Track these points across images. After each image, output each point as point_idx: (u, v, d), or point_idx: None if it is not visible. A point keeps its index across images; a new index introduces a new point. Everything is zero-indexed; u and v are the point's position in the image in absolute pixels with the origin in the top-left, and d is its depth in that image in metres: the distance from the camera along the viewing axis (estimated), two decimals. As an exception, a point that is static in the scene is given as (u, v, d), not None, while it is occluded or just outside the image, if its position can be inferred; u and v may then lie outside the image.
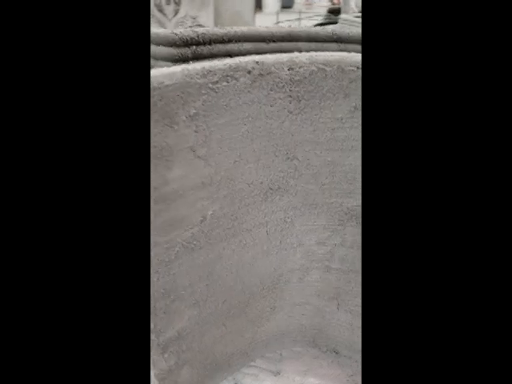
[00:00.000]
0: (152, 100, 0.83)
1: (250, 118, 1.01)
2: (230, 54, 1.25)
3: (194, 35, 1.16)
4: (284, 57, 1.00)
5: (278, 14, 6.90)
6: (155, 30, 1.18)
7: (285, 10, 8.11)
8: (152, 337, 1.18)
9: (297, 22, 7.30)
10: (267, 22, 6.28)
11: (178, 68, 0.85)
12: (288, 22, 7.22)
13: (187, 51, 1.16)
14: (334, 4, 9.59)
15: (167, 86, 0.83)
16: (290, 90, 1.02)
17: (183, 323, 1.20)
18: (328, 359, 1.58)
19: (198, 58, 1.20)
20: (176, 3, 3.67)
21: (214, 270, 1.19)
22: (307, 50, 1.18)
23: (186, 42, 1.16)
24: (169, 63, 1.17)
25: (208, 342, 1.31)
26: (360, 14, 3.68)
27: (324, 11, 9.28)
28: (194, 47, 1.17)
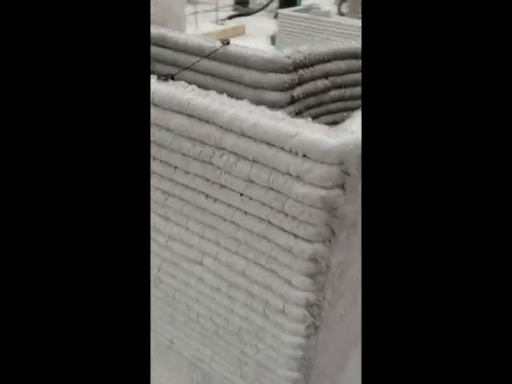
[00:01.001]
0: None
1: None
2: (327, 75, 1.10)
3: (302, 57, 0.99)
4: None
5: (195, 4, 6.54)
6: (260, 53, 0.97)
7: (192, 1, 7.79)
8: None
9: (214, 13, 7.04)
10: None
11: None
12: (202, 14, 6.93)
13: (295, 76, 0.99)
14: (240, -4, 9.41)
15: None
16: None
17: None
18: None
19: (301, 82, 1.03)
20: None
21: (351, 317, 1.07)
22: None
23: (296, 66, 0.98)
24: (277, 92, 0.98)
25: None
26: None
27: (231, 2, 9.13)
28: (301, 71, 1.00)
